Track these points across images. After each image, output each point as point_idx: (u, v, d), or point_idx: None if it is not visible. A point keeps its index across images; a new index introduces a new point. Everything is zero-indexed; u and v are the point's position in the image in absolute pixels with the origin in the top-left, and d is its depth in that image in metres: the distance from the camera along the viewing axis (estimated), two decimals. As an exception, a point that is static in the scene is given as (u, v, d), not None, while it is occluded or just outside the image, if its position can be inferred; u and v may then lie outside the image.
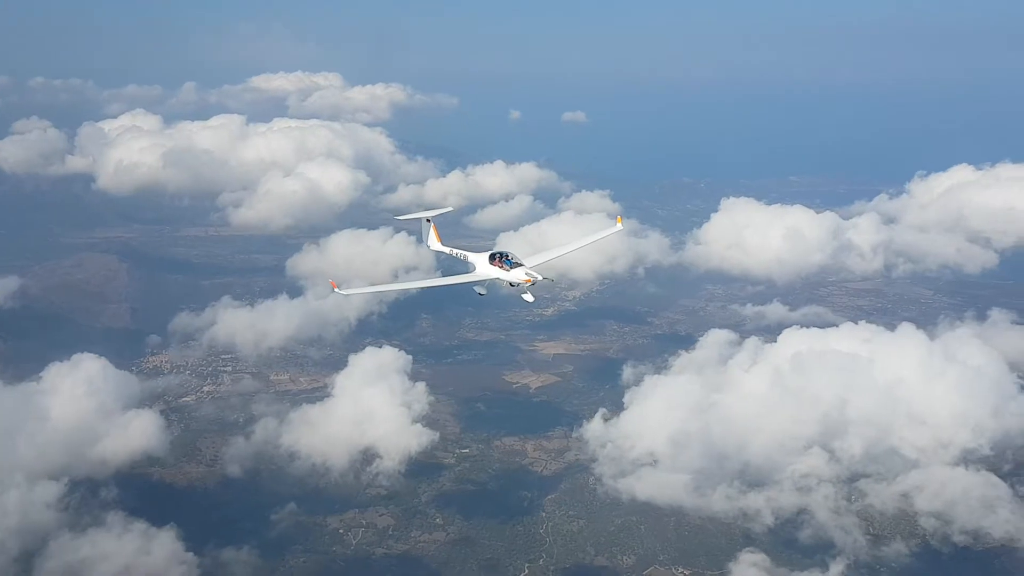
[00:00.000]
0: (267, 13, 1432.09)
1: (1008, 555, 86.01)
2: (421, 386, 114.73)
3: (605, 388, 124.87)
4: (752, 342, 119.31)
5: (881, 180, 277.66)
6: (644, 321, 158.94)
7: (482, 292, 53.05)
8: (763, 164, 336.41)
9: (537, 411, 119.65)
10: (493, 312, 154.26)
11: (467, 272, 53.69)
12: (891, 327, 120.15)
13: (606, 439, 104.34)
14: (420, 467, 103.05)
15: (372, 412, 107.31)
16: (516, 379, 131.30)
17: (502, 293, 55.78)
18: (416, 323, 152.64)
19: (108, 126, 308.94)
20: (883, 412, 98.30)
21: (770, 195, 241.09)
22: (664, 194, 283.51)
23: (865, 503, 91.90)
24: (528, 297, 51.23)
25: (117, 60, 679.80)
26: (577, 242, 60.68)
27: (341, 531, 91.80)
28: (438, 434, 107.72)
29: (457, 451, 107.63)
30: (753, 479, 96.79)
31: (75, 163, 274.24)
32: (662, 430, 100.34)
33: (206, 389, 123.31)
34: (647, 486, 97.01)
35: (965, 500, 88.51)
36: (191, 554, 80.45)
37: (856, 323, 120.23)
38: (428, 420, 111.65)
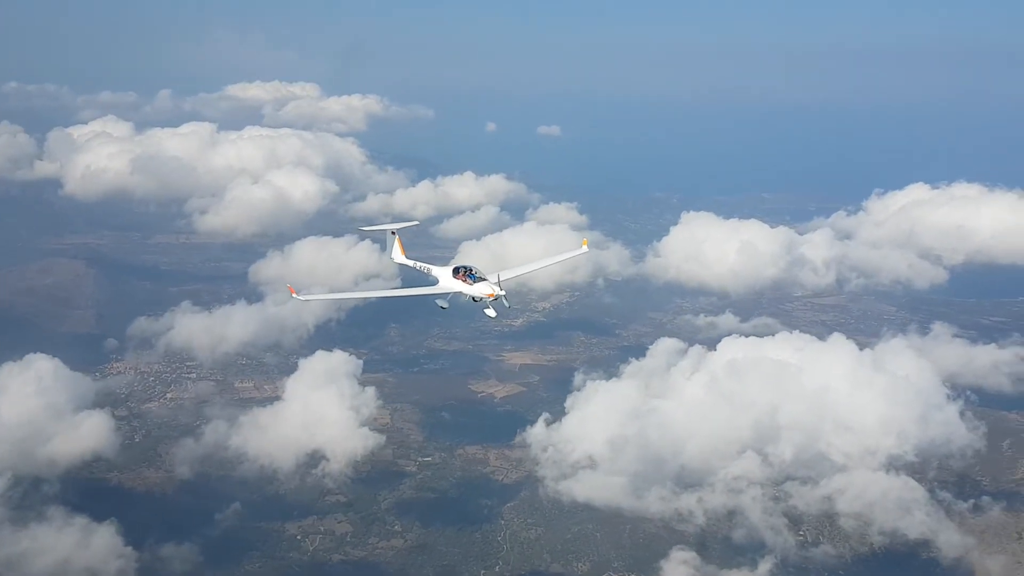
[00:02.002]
0: (246, 23, 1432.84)
1: (924, 554, 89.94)
2: (371, 390, 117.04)
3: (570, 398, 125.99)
4: (696, 350, 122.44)
5: (849, 197, 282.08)
6: (612, 333, 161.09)
7: (444, 305, 52.67)
8: (735, 180, 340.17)
9: (501, 420, 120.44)
10: (462, 322, 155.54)
11: (430, 285, 53.95)
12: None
13: (548, 443, 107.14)
14: (381, 475, 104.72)
15: (321, 415, 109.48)
16: (482, 388, 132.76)
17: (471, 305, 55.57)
18: (384, 332, 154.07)
19: (77, 132, 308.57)
20: (812, 418, 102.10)
21: (741, 210, 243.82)
22: (636, 208, 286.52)
23: (790, 504, 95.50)
24: (491, 312, 51.17)
25: (93, 66, 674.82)
26: (542, 261, 61.93)
27: (299, 537, 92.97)
28: (385, 437, 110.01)
29: (419, 459, 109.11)
30: (689, 481, 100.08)
31: (44, 168, 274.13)
32: (601, 434, 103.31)
33: (169, 395, 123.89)
34: (586, 488, 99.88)
35: (883, 502, 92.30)
36: (130, 548, 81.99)
37: (791, 332, 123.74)
38: (390, 428, 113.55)
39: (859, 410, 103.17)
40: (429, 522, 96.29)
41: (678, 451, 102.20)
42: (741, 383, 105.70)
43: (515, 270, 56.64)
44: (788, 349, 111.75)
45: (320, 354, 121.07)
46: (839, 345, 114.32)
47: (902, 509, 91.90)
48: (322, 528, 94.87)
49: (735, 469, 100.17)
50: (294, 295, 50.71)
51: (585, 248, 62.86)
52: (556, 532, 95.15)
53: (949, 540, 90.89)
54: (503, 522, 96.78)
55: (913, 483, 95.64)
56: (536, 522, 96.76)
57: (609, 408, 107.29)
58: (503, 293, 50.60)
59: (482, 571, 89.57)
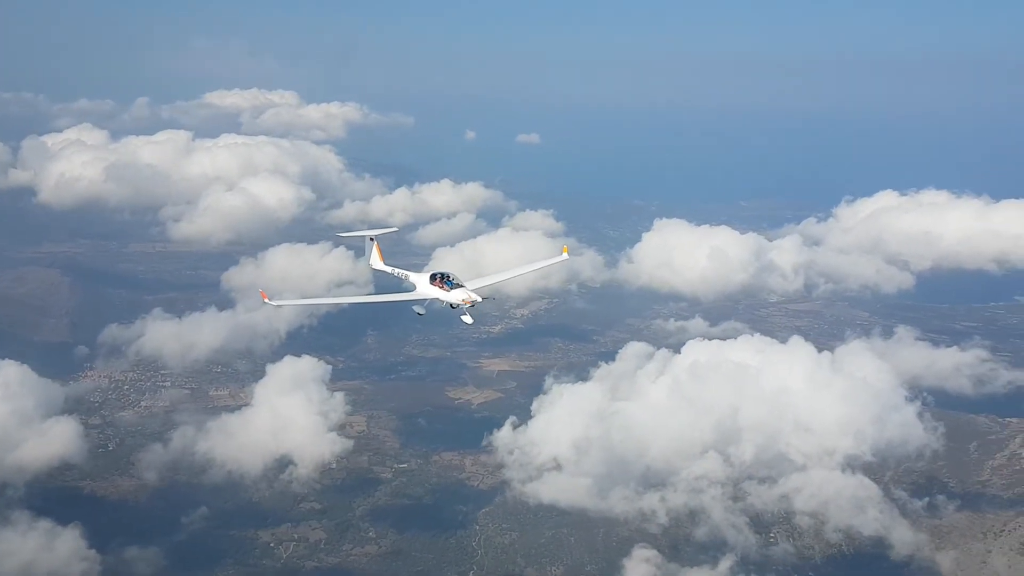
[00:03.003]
0: (225, 30, 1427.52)
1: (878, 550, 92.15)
2: (339, 396, 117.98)
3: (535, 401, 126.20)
4: (662, 353, 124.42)
5: (822, 204, 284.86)
6: (589, 339, 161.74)
7: (420, 312, 51.95)
8: (714, 188, 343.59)
9: (478, 427, 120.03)
10: (440, 329, 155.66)
11: (407, 291, 53.64)
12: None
13: (514, 446, 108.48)
14: (356, 482, 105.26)
15: (289, 421, 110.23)
16: (459, 395, 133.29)
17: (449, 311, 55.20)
18: (362, 339, 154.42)
19: (52, 140, 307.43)
20: (772, 419, 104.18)
21: (719, 218, 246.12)
22: (615, 215, 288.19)
23: (748, 503, 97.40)
24: (467, 319, 51.06)
25: (70, 74, 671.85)
26: (523, 268, 61.74)
27: (272, 544, 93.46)
28: (353, 441, 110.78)
29: (395, 466, 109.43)
30: (653, 481, 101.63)
31: (17, 177, 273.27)
32: (566, 436, 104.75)
33: (144, 404, 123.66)
34: (551, 490, 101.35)
35: (837, 501, 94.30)
36: (93, 551, 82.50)
37: (752, 335, 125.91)
38: (367, 435, 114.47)
39: (818, 411, 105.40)
40: (404, 528, 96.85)
41: (642, 452, 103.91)
42: (703, 385, 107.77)
43: (496, 276, 56.58)
44: (750, 351, 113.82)
45: (288, 359, 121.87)
46: (799, 347, 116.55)
47: (856, 507, 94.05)
48: (296, 535, 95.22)
49: (697, 469, 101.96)
50: (266, 300, 50.57)
51: (566, 255, 61.96)
52: (530, 536, 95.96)
53: (903, 538, 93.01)
54: (478, 527, 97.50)
55: (868, 482, 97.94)
56: (511, 527, 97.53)
57: (575, 411, 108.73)
58: (479, 300, 50.53)
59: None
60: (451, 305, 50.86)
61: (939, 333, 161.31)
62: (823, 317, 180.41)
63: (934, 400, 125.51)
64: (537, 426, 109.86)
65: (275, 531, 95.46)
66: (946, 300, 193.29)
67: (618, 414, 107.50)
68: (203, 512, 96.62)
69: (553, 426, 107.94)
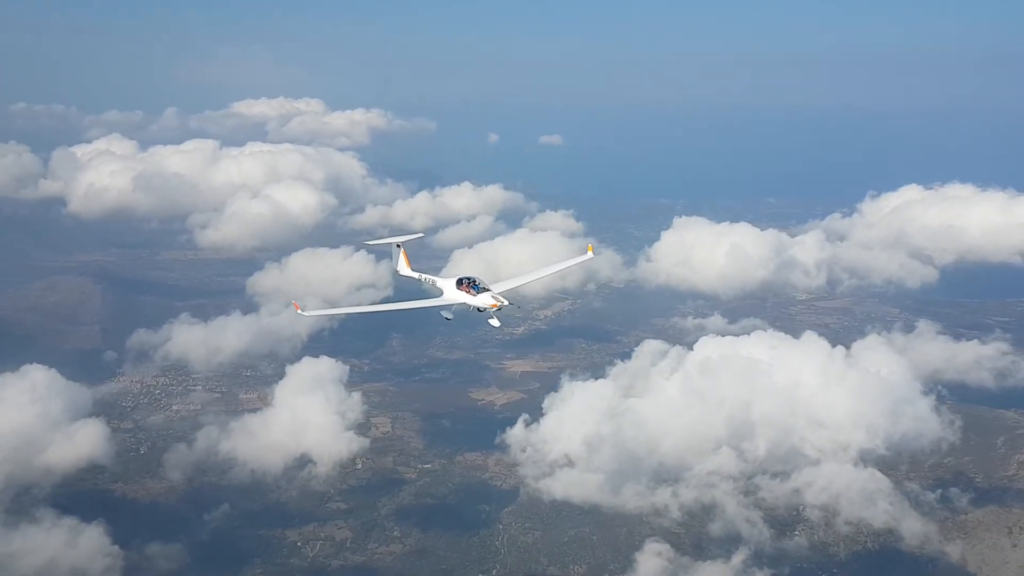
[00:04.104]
0: (252, 41, 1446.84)
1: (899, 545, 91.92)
2: (357, 395, 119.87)
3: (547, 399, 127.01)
4: (676, 350, 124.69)
5: (849, 199, 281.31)
6: (613, 339, 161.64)
7: (448, 317, 52.54)
8: (741, 186, 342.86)
9: (501, 427, 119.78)
10: (464, 331, 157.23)
11: (434, 296, 53.96)
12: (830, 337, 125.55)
13: (527, 443, 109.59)
14: (381, 482, 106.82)
15: (308, 421, 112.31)
16: (482, 396, 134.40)
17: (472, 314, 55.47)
18: (387, 342, 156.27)
19: (81, 151, 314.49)
20: (784, 414, 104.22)
21: (746, 215, 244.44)
22: (640, 215, 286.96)
23: (759, 496, 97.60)
24: (494, 322, 51.32)
25: (101, 86, 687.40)
26: (547, 268, 60.73)
27: (299, 544, 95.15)
28: (369, 440, 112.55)
29: (419, 466, 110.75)
30: (665, 477, 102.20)
31: (48, 187, 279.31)
32: (578, 433, 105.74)
33: (175, 408, 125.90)
34: (564, 486, 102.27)
35: (848, 494, 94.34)
36: (116, 547, 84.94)
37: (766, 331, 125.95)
38: (391, 436, 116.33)
39: (831, 406, 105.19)
40: (428, 528, 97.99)
41: (655, 448, 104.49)
42: (715, 381, 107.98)
43: (522, 278, 56.51)
44: (763, 347, 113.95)
45: (307, 360, 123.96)
46: (812, 342, 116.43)
47: (866, 500, 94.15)
48: (322, 535, 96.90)
49: (710, 464, 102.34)
50: (299, 311, 51.05)
51: (591, 254, 61.82)
52: (553, 535, 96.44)
53: (926, 533, 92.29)
54: (501, 526, 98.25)
55: (879, 475, 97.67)
56: (533, 526, 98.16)
57: (586, 408, 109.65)
58: (506, 303, 50.40)
59: (480, 574, 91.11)
60: (478, 309, 51.04)
61: (969, 328, 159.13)
62: (853, 314, 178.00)
63: (957, 395, 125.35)
64: (549, 423, 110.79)
65: (302, 530, 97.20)
66: (971, 294, 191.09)
67: (630, 411, 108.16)
68: (230, 511, 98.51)
69: (565, 423, 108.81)
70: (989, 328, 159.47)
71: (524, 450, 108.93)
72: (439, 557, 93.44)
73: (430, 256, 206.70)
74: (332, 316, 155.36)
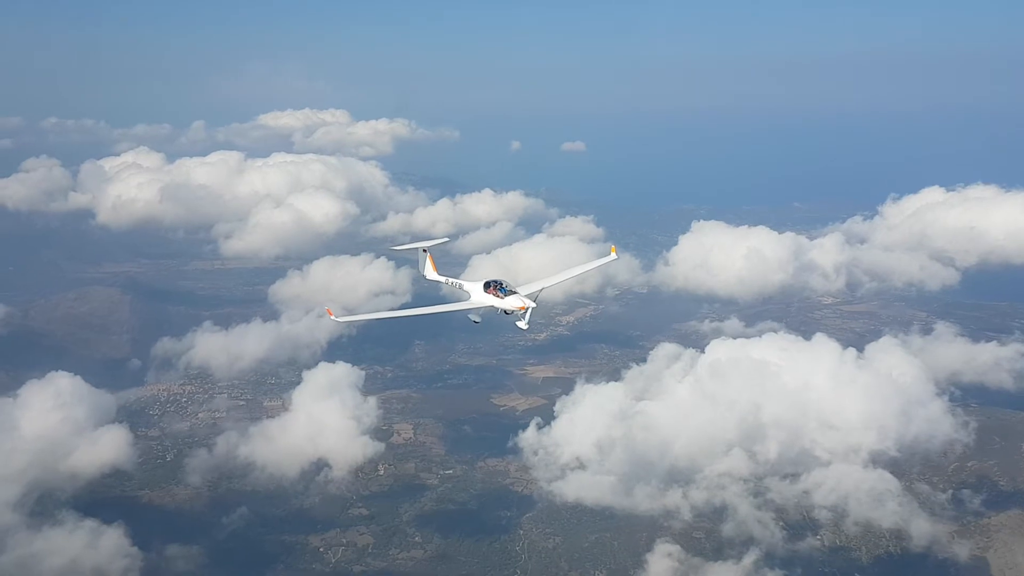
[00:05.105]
0: (279, 53, 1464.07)
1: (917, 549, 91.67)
2: (372, 400, 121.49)
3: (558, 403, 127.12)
4: (689, 353, 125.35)
5: (874, 202, 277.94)
6: (636, 344, 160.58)
7: (476, 320, 52.65)
8: (765, 191, 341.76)
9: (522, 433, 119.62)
10: (486, 337, 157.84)
11: (461, 300, 54.37)
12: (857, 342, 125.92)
13: (538, 446, 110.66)
14: (403, 488, 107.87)
15: (325, 425, 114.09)
16: (504, 402, 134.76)
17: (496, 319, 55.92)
18: (409, 348, 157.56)
19: (109, 164, 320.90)
20: (796, 416, 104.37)
21: (771, 220, 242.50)
22: (663, 220, 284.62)
23: (768, 498, 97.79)
24: (522, 324, 50.97)
25: (129, 100, 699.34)
26: (572, 271, 60.17)
27: (321, 549, 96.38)
28: (384, 445, 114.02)
29: (441, 472, 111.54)
30: (677, 479, 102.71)
31: (77, 199, 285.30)
32: (589, 436, 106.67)
33: (200, 415, 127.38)
34: (576, 488, 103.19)
35: (856, 495, 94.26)
36: (136, 548, 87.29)
37: (776, 334, 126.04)
38: (413, 443, 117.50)
39: (842, 408, 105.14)
40: (449, 533, 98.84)
41: (666, 450, 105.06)
42: (726, 383, 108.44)
43: (547, 280, 56.04)
44: (773, 349, 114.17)
45: (323, 366, 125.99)
46: (823, 344, 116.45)
47: (875, 500, 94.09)
48: (344, 540, 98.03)
49: (721, 466, 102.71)
50: (332, 317, 51.68)
51: (614, 255, 61.72)
52: (573, 540, 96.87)
53: (941, 535, 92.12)
54: (522, 532, 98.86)
55: (887, 475, 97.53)
56: (554, 531, 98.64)
57: (598, 411, 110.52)
58: (534, 305, 50.60)
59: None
60: (505, 312, 51.25)
61: (996, 331, 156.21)
62: (879, 318, 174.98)
63: (978, 398, 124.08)
64: (561, 427, 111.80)
65: (324, 536, 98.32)
66: (994, 296, 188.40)
67: (641, 413, 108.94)
68: (250, 516, 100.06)
69: (577, 426, 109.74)
70: (1012, 331, 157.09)
71: (536, 453, 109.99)
72: (460, 563, 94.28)
73: (450, 262, 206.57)
74: (352, 323, 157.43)
